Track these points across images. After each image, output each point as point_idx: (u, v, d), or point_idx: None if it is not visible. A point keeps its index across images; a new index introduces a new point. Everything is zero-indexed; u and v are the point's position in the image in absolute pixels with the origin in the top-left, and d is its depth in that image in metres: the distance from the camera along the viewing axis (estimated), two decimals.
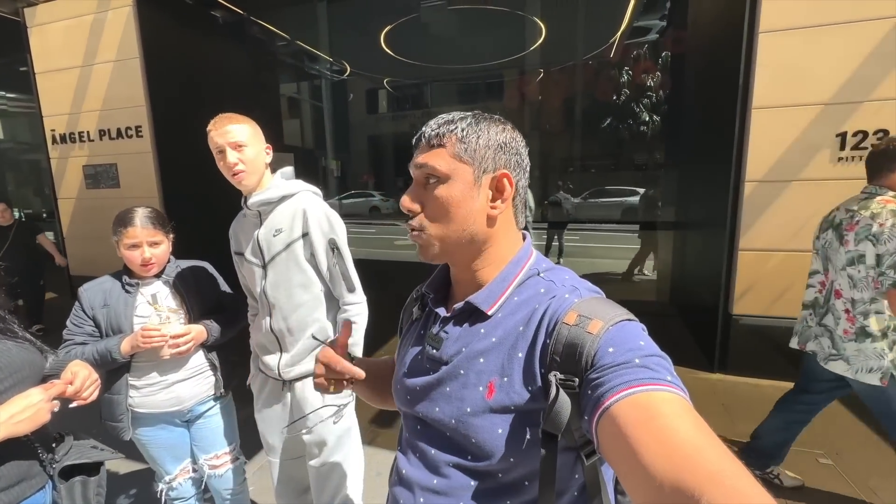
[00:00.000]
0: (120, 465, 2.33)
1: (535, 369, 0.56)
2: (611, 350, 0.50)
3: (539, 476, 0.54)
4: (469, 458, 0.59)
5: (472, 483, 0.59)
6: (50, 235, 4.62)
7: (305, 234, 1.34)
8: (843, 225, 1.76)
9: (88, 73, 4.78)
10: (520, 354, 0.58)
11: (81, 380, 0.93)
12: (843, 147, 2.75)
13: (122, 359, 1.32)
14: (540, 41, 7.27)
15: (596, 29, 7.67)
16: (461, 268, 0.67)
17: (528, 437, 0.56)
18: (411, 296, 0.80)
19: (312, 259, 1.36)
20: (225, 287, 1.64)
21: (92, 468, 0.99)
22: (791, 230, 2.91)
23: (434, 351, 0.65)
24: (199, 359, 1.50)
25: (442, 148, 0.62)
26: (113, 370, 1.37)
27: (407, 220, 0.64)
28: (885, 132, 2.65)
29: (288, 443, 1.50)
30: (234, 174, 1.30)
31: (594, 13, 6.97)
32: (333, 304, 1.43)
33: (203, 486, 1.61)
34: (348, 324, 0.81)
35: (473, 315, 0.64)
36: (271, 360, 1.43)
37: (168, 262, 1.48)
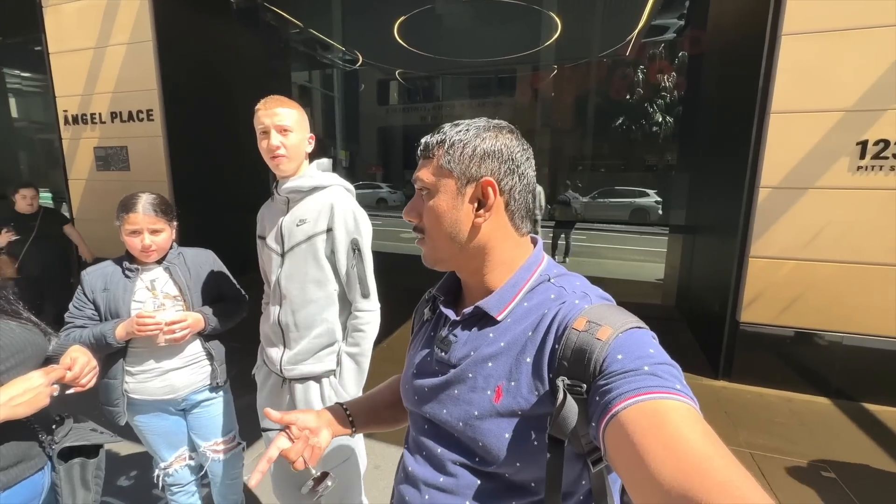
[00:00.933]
0: (122, 447, 2.36)
1: (544, 374, 0.56)
2: (620, 357, 0.50)
3: (545, 480, 0.54)
4: (476, 460, 0.60)
5: (478, 482, 0.60)
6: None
7: (329, 230, 1.30)
8: None
9: (102, 55, 4.78)
10: (528, 359, 0.58)
11: (80, 366, 0.92)
12: (863, 156, 2.68)
13: (116, 343, 1.32)
14: (555, 37, 7.16)
15: (612, 26, 7.54)
16: (465, 274, 0.69)
17: (534, 441, 0.56)
18: (423, 297, 0.80)
19: (332, 256, 1.32)
20: (228, 275, 1.62)
21: (91, 450, 0.99)
22: (804, 239, 2.85)
23: (443, 354, 0.66)
24: (196, 348, 1.48)
25: (430, 159, 0.64)
26: (110, 355, 1.38)
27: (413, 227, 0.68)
28: None
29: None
30: (274, 157, 1.28)
31: (611, 10, 6.86)
32: (346, 306, 1.38)
33: (202, 473, 1.61)
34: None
35: (483, 319, 0.64)
36: (274, 353, 1.40)
37: (170, 248, 1.47)
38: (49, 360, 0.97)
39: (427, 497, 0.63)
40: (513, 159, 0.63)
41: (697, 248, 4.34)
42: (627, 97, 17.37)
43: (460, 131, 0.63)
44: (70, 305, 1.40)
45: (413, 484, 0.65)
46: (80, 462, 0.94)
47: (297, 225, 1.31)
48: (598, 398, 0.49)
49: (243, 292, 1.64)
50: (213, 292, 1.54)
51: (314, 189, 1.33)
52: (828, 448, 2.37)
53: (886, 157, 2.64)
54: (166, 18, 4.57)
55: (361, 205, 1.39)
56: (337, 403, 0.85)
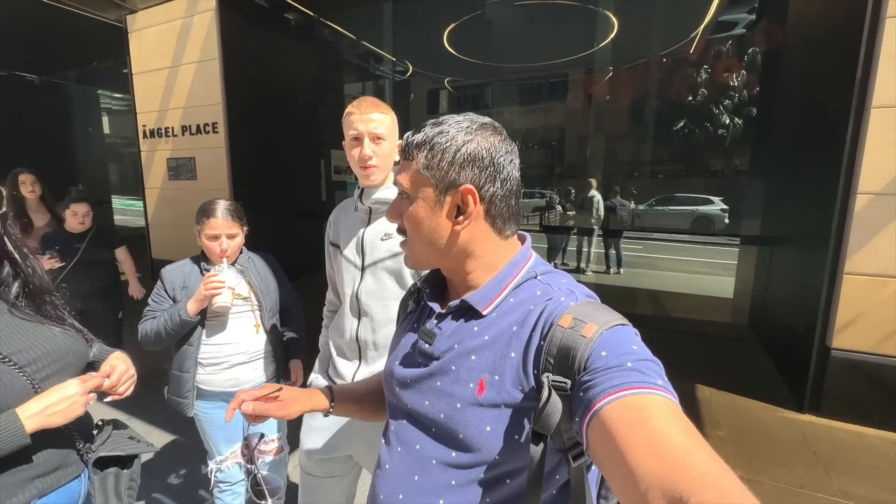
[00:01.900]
0: (174, 445, 2.45)
1: (529, 370, 0.56)
2: (604, 354, 0.50)
3: (528, 475, 0.54)
4: (454, 453, 0.60)
5: (453, 481, 0.59)
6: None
7: None
8: None
9: (176, 74, 5.19)
10: (512, 354, 0.58)
11: (118, 374, 0.92)
12: None
13: (189, 318, 1.42)
14: (611, 37, 6.85)
15: (674, 24, 7.09)
16: (448, 273, 0.69)
17: (516, 435, 0.56)
18: (409, 289, 0.81)
19: (417, 275, 1.22)
20: (286, 279, 1.72)
21: (126, 460, 0.97)
22: None
23: (426, 346, 0.66)
24: (260, 345, 1.57)
25: (410, 163, 0.63)
26: (183, 349, 1.49)
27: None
28: None
29: (341, 461, 1.33)
30: (366, 167, 1.19)
31: (673, 7, 6.45)
32: None
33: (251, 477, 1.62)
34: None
35: (468, 313, 0.64)
36: (346, 368, 1.31)
37: (241, 252, 1.58)
38: (90, 367, 0.98)
39: (401, 496, 0.63)
40: (494, 164, 0.61)
41: (776, 262, 3.88)
42: (689, 98, 16.32)
43: (441, 133, 0.61)
44: (149, 300, 1.53)
45: (388, 480, 0.66)
46: (115, 472, 0.94)
47: (382, 239, 1.23)
48: (581, 394, 0.49)
49: (298, 296, 1.75)
50: (277, 295, 1.64)
51: None
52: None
53: None
54: (231, 37, 4.88)
55: None
56: (327, 387, 0.86)
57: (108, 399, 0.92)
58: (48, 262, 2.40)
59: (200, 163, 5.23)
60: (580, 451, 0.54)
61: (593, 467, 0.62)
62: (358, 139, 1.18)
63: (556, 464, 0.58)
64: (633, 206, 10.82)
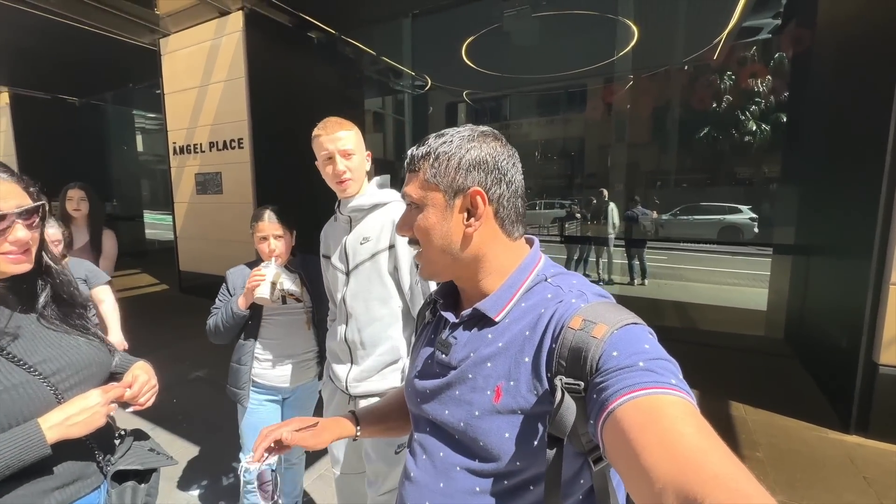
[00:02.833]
0: (197, 455, 2.46)
1: (542, 373, 0.56)
2: (615, 354, 0.50)
3: (545, 478, 0.54)
4: (477, 460, 0.60)
5: (477, 487, 0.60)
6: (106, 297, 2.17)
7: (391, 247, 1.30)
8: None
9: (205, 93, 5.40)
10: (526, 359, 0.58)
11: (140, 384, 0.92)
12: None
13: (240, 311, 1.53)
14: (631, 45, 6.79)
15: (696, 31, 6.97)
16: (461, 281, 0.69)
17: (534, 440, 0.56)
18: (425, 300, 0.82)
19: (395, 273, 1.31)
20: None
21: (145, 473, 0.97)
22: None
23: (443, 356, 0.67)
24: (310, 345, 1.67)
25: (416, 174, 0.65)
26: (239, 344, 1.62)
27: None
28: None
29: (350, 457, 1.46)
30: (341, 182, 1.30)
31: (695, 14, 6.35)
32: (410, 322, 1.37)
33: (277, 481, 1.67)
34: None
35: (482, 321, 0.65)
36: (341, 370, 1.40)
37: (294, 255, 1.71)
38: (112, 377, 0.98)
39: (427, 503, 0.63)
40: (498, 168, 0.63)
41: (813, 272, 3.69)
42: (714, 105, 15.99)
43: (444, 143, 0.64)
44: (216, 299, 1.67)
45: (414, 488, 0.66)
46: (132, 486, 0.93)
47: (361, 243, 1.32)
48: (595, 396, 0.49)
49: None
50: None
51: (375, 206, 1.34)
52: None
53: None
54: (257, 56, 5.05)
55: None
56: (351, 412, 0.87)
57: (130, 409, 0.92)
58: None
59: (226, 177, 5.39)
60: (600, 454, 0.53)
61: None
62: (330, 158, 1.29)
63: (579, 468, 0.58)
64: (655, 215, 10.55)
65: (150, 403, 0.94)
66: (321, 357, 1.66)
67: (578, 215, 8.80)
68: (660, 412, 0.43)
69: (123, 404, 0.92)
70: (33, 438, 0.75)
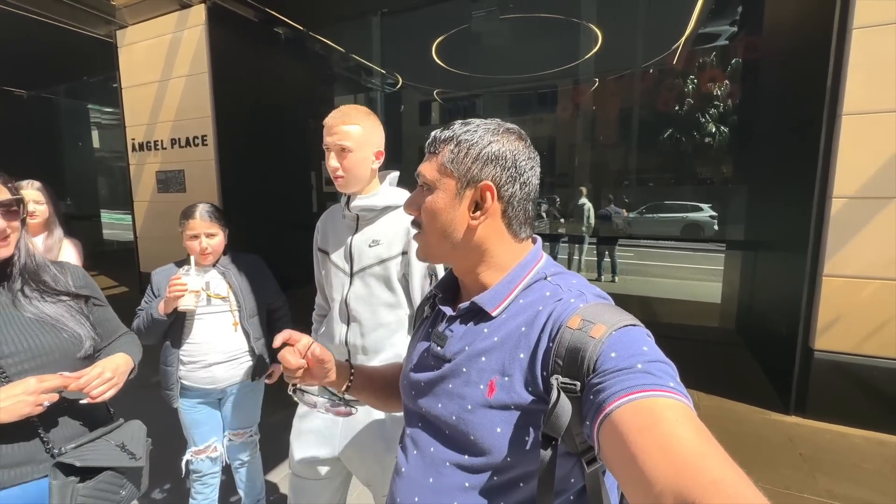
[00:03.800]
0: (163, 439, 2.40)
1: (537, 371, 0.56)
2: (613, 355, 0.49)
3: (538, 478, 0.53)
4: (467, 455, 0.60)
5: (466, 483, 0.59)
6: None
7: (404, 253, 1.23)
8: None
9: (165, 87, 5.22)
10: (521, 355, 0.58)
11: (88, 378, 0.92)
12: None
13: (159, 317, 1.49)
14: (596, 49, 7.01)
15: (657, 35, 7.27)
16: (460, 272, 0.69)
17: (527, 438, 0.56)
18: (425, 295, 0.81)
19: (404, 280, 1.26)
20: (274, 282, 1.78)
21: (93, 470, 0.94)
22: (889, 256, 2.49)
23: (439, 348, 0.67)
24: (237, 344, 1.62)
25: (435, 156, 0.65)
26: (165, 346, 1.59)
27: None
28: None
29: (314, 461, 1.32)
30: (334, 177, 1.22)
31: (655, 19, 6.62)
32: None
33: (222, 467, 1.73)
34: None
35: (478, 315, 0.65)
36: None
37: (225, 254, 1.65)
38: (88, 363, 1.01)
39: (416, 499, 0.63)
40: (516, 166, 0.63)
41: (760, 266, 3.94)
42: (676, 108, 16.63)
43: (468, 131, 0.63)
44: (142, 301, 1.63)
45: (404, 483, 0.66)
46: (73, 482, 0.91)
47: (370, 246, 1.24)
48: (591, 397, 0.48)
49: (285, 297, 1.81)
50: (260, 293, 1.70)
51: (387, 208, 1.26)
52: None
53: None
54: (221, 51, 4.93)
55: None
56: (347, 361, 0.86)
57: (85, 401, 0.93)
58: None
59: (189, 175, 5.23)
60: (594, 455, 0.53)
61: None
62: (328, 150, 1.21)
63: (570, 469, 0.57)
64: (626, 213, 10.93)
65: (105, 397, 0.94)
66: (254, 356, 1.64)
67: (550, 213, 9.00)
68: (658, 415, 0.43)
69: (80, 395, 0.92)
70: None
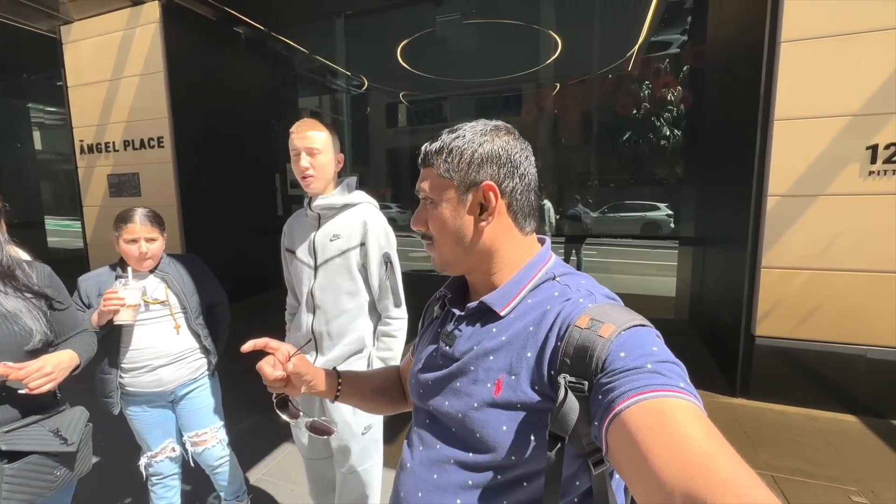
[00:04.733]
0: (113, 440, 2.32)
1: (544, 370, 0.56)
2: (622, 354, 0.49)
3: (545, 477, 0.54)
4: (471, 454, 0.60)
5: (470, 481, 0.60)
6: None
7: (362, 244, 1.39)
8: None
9: (116, 87, 4.98)
10: (529, 354, 0.58)
11: (28, 370, 0.98)
12: (874, 160, 2.60)
13: (93, 329, 1.42)
14: (556, 55, 7.27)
15: (613, 43, 7.62)
16: (472, 275, 0.70)
17: (533, 437, 0.56)
18: (434, 295, 0.81)
19: (363, 269, 1.41)
20: (214, 279, 1.77)
21: (21, 453, 0.99)
22: (818, 248, 2.75)
23: (447, 348, 0.67)
24: (184, 345, 1.60)
25: (431, 168, 0.65)
26: (105, 353, 1.51)
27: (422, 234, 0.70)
28: None
29: (316, 443, 1.53)
30: (304, 177, 1.36)
31: (610, 27, 6.94)
32: (375, 315, 1.47)
33: (182, 465, 1.72)
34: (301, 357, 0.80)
35: (487, 315, 0.65)
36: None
37: (161, 258, 1.61)
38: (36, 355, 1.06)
39: (420, 495, 0.64)
40: (511, 161, 0.64)
41: (708, 261, 4.22)
42: (634, 112, 17.39)
43: (457, 137, 0.64)
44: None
45: (409, 479, 0.66)
46: (2, 463, 0.96)
47: (331, 240, 1.39)
48: (600, 397, 0.48)
49: (226, 295, 1.81)
50: (204, 295, 1.68)
51: (345, 206, 1.41)
52: (857, 470, 2.22)
53: None
54: (177, 50, 4.76)
55: None
56: (335, 369, 0.86)
57: (23, 391, 0.99)
58: None
59: (145, 178, 5.01)
60: (600, 457, 0.52)
61: (618, 476, 0.61)
62: (298, 155, 1.35)
63: (576, 470, 0.57)
64: (591, 213, 11.35)
65: (41, 390, 1.00)
66: (202, 354, 1.65)
67: None
68: (668, 415, 0.42)
69: (16, 384, 0.98)
70: None
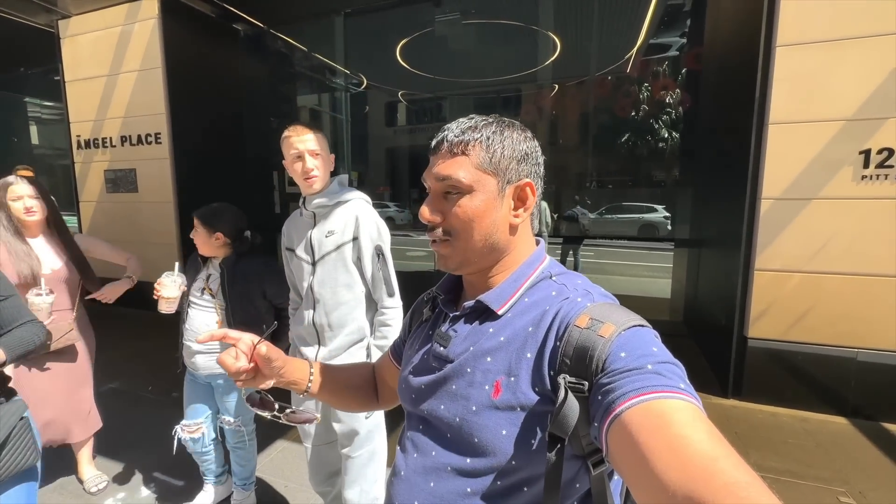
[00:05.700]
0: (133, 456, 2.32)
1: (544, 371, 0.55)
2: (623, 355, 0.49)
3: (545, 479, 0.53)
4: (469, 459, 0.58)
5: (469, 488, 0.58)
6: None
7: (355, 239, 1.47)
8: None
9: (114, 82, 4.97)
10: (528, 355, 0.57)
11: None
12: (867, 165, 2.62)
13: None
14: (555, 56, 7.28)
15: (612, 45, 7.63)
16: (478, 275, 0.67)
17: (532, 440, 0.55)
18: (422, 297, 0.79)
19: (359, 262, 1.49)
20: (275, 285, 1.83)
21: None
22: (811, 250, 2.77)
23: (441, 349, 0.65)
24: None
25: (465, 157, 0.61)
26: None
27: (427, 229, 0.64)
28: None
29: (320, 429, 1.60)
30: (308, 178, 1.44)
31: (609, 29, 6.95)
32: (372, 305, 1.54)
33: (206, 447, 1.87)
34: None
35: (483, 314, 0.64)
36: (310, 352, 1.54)
37: (231, 253, 1.80)
38: None
39: (416, 503, 0.62)
40: (538, 162, 0.65)
41: (703, 263, 4.25)
42: (633, 114, 17.43)
43: (495, 131, 0.62)
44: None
45: (403, 487, 0.64)
46: None
47: (327, 236, 1.48)
48: (600, 397, 0.48)
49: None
50: (258, 298, 1.79)
51: (338, 203, 1.49)
52: (846, 471, 2.24)
53: (892, 166, 2.57)
54: (175, 46, 4.75)
55: None
56: (308, 361, 0.84)
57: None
58: None
59: (142, 174, 5.00)
60: (600, 458, 0.52)
61: (616, 476, 0.61)
62: (300, 157, 1.43)
63: (576, 472, 0.56)
64: (589, 214, 11.38)
65: None
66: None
67: None
68: (669, 417, 0.42)
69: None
70: None
